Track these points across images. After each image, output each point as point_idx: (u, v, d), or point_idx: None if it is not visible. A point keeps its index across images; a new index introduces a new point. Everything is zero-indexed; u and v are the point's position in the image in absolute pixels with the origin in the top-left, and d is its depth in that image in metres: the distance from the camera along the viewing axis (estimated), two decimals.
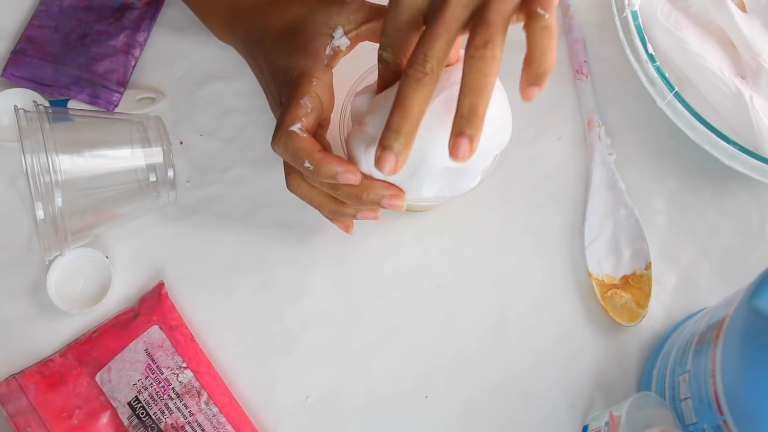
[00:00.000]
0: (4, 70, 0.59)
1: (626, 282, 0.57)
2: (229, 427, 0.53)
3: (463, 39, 0.44)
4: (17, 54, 0.60)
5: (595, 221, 0.58)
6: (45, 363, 0.53)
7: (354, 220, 0.51)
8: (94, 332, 0.54)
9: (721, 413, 0.43)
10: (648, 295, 0.56)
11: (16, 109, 0.51)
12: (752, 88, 0.57)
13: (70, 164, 0.50)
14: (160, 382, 0.53)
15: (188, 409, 0.53)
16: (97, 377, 0.53)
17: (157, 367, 0.53)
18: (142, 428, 0.52)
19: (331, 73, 0.52)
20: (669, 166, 0.60)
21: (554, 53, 0.42)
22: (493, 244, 0.58)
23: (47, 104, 0.58)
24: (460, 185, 0.50)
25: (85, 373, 0.53)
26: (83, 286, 0.56)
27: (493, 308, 0.56)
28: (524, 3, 0.43)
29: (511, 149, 0.59)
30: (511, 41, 0.43)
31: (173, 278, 0.56)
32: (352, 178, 0.46)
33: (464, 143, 0.42)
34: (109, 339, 0.54)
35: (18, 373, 0.53)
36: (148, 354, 0.53)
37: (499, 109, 0.47)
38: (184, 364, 0.53)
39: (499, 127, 0.48)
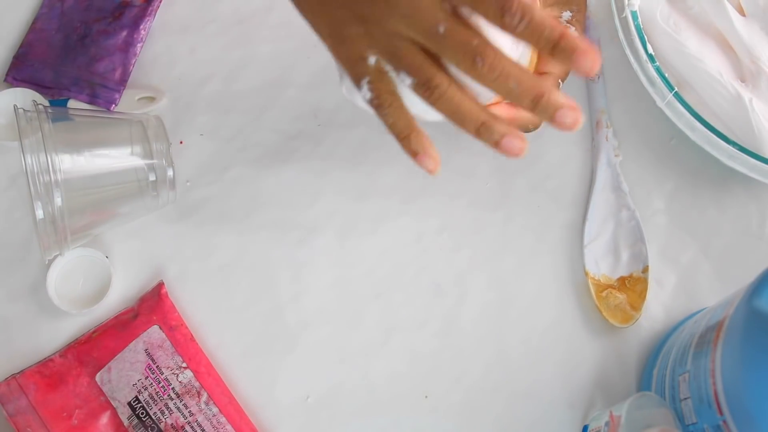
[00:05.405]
0: (7, 74, 0.59)
1: (623, 284, 0.57)
2: (229, 427, 0.52)
3: None
4: (19, 58, 0.60)
5: (595, 221, 0.58)
6: (45, 363, 0.53)
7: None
8: (94, 332, 0.54)
9: (721, 413, 0.43)
10: (643, 298, 0.56)
11: (15, 108, 0.51)
12: (752, 91, 0.57)
13: (70, 164, 0.50)
14: (160, 382, 0.53)
15: (188, 409, 0.53)
16: (97, 377, 0.53)
17: (157, 367, 0.53)
18: (142, 428, 0.52)
19: None
20: (669, 166, 0.60)
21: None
22: (493, 244, 0.58)
23: (47, 104, 0.58)
24: None
25: (85, 373, 0.53)
26: (83, 286, 0.56)
27: (492, 308, 0.56)
28: None
29: None
30: None
31: (173, 278, 0.56)
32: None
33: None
34: (109, 339, 0.54)
35: (18, 373, 0.53)
36: (148, 354, 0.53)
37: None
38: (184, 364, 0.53)
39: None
